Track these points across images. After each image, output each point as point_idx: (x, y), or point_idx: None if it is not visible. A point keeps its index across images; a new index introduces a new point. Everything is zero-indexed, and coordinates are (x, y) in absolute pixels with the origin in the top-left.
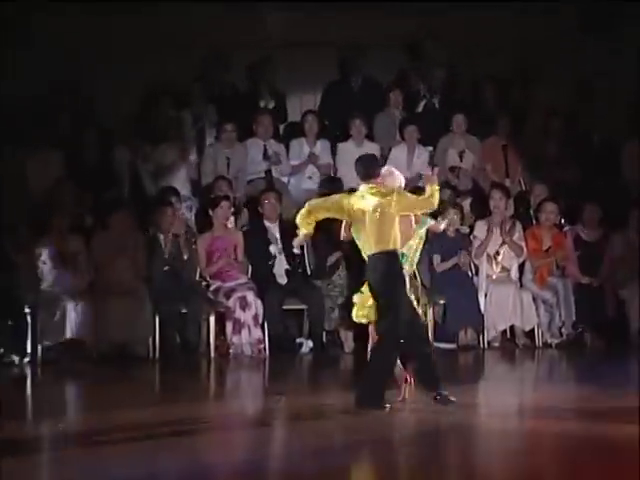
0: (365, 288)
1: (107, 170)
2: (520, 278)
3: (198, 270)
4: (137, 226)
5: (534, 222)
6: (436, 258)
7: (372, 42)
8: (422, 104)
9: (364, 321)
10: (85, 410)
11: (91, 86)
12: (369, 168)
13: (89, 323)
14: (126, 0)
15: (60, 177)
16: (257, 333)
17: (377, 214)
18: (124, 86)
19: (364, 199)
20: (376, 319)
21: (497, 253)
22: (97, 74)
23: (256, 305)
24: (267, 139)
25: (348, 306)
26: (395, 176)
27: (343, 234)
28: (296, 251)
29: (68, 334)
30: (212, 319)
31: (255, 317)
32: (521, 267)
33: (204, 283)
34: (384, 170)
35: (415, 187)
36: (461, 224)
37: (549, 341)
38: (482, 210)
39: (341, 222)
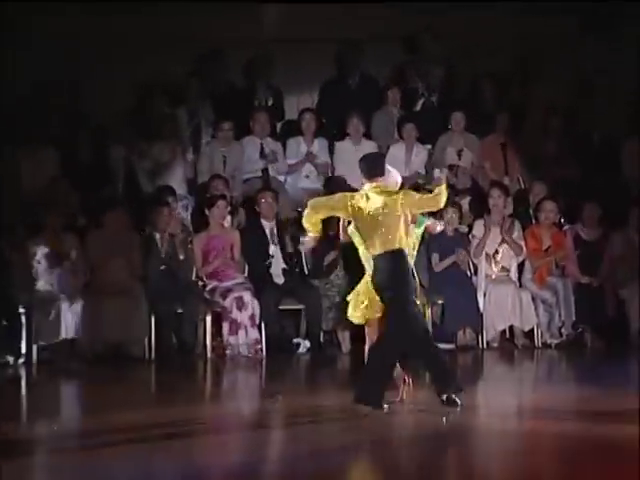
0: (360, 287)
1: (102, 168)
2: (519, 278)
3: (194, 270)
4: (132, 225)
5: (533, 221)
6: (435, 257)
7: (370, 39)
8: (420, 102)
9: (360, 321)
10: (80, 411)
11: (86, 84)
12: (374, 167)
13: (84, 323)
14: None
15: (55, 176)
16: (254, 333)
17: (383, 213)
18: (119, 84)
19: (369, 198)
20: (379, 318)
21: (496, 252)
22: (92, 72)
23: (253, 305)
24: (264, 137)
25: (346, 306)
26: (391, 175)
27: (342, 235)
28: (305, 250)
29: (63, 334)
30: (208, 319)
31: (252, 317)
32: (520, 267)
33: (200, 283)
34: None
35: (414, 186)
36: (460, 223)
37: (548, 341)
38: (481, 209)
39: (339, 222)
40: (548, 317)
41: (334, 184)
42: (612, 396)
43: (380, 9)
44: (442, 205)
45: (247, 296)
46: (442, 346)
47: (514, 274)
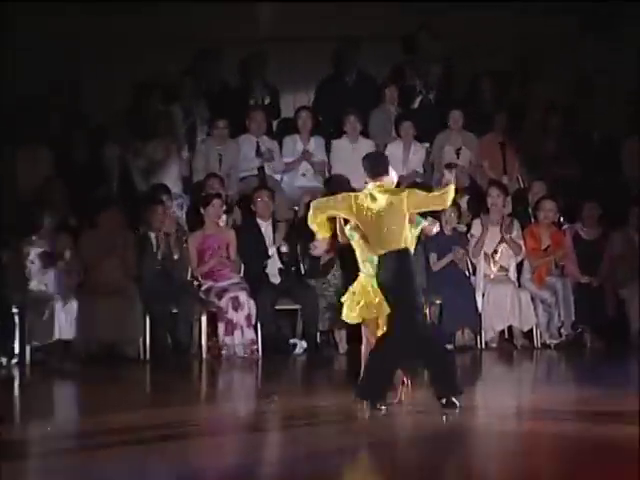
0: (356, 288)
1: (96, 167)
2: (518, 277)
3: (189, 269)
4: (127, 224)
5: (532, 220)
6: (432, 257)
7: (367, 36)
8: (418, 100)
9: (356, 322)
10: (74, 412)
11: (80, 83)
12: (377, 165)
13: (78, 323)
14: None
15: (49, 175)
16: (250, 334)
17: (388, 212)
18: (114, 82)
19: (373, 198)
20: (376, 318)
21: (495, 252)
22: (87, 71)
23: (249, 305)
24: (260, 135)
25: (342, 306)
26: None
27: (340, 236)
28: (317, 254)
29: (57, 334)
30: (204, 319)
31: (248, 317)
32: (519, 266)
33: (195, 283)
34: None
35: (411, 184)
36: (458, 222)
37: (548, 342)
38: (479, 208)
39: (336, 222)
40: (547, 317)
41: (335, 183)
42: (612, 397)
43: (377, 7)
44: (448, 205)
45: (243, 296)
46: None
47: (513, 274)
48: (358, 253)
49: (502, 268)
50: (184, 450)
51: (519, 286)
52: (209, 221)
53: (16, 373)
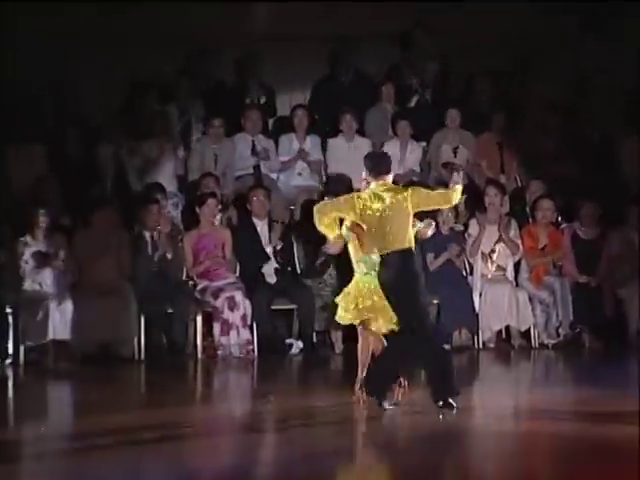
0: (351, 288)
1: (91, 166)
2: (516, 277)
3: (185, 269)
4: (121, 224)
5: (530, 220)
6: (429, 257)
7: (363, 34)
8: (415, 99)
9: (351, 322)
10: (68, 413)
11: (75, 82)
12: (381, 165)
13: (72, 323)
14: None
15: (43, 174)
16: (246, 334)
17: (392, 211)
18: (109, 80)
19: (377, 197)
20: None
21: (492, 251)
22: (81, 70)
23: (244, 305)
24: (255, 134)
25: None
26: None
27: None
28: (333, 252)
29: (51, 335)
30: (199, 319)
31: (243, 317)
32: (517, 266)
33: (191, 282)
34: None
35: (408, 183)
36: (455, 222)
37: (545, 342)
38: (477, 207)
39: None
40: (545, 317)
41: (336, 183)
42: (610, 397)
43: (374, 5)
44: (454, 203)
45: (239, 296)
46: None
47: (510, 273)
48: (352, 253)
49: (499, 268)
50: (179, 451)
51: (517, 286)
52: (204, 220)
53: (10, 373)
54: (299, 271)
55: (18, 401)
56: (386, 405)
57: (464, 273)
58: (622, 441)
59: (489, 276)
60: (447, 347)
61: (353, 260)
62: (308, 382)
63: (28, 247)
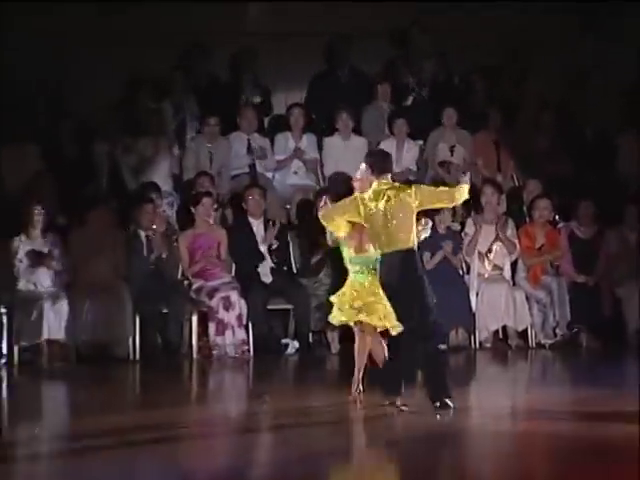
0: (345, 289)
1: (86, 165)
2: (513, 276)
3: (180, 268)
4: (116, 223)
5: (527, 219)
6: (426, 255)
7: (360, 32)
8: (411, 97)
9: (345, 322)
10: (63, 413)
11: (70, 79)
12: (384, 163)
13: (67, 323)
14: None
15: (37, 172)
16: (241, 334)
17: (395, 210)
18: (103, 77)
19: (381, 196)
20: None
21: (489, 251)
22: (76, 67)
23: (240, 305)
24: (251, 133)
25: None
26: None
27: (329, 240)
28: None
29: (45, 334)
30: (194, 319)
31: (239, 317)
32: (514, 265)
33: (186, 282)
34: (362, 167)
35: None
36: (452, 221)
37: (543, 342)
38: (474, 206)
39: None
40: (542, 317)
41: (337, 182)
42: (608, 397)
43: (370, 3)
44: (459, 202)
45: (234, 296)
46: None
47: (507, 273)
48: (345, 253)
49: (496, 267)
50: (175, 452)
51: (514, 285)
52: (200, 220)
53: (4, 374)
54: (295, 271)
55: (12, 401)
56: (401, 406)
57: (461, 272)
58: (620, 441)
59: (486, 275)
60: (444, 347)
61: (346, 260)
62: (304, 382)
63: (22, 246)
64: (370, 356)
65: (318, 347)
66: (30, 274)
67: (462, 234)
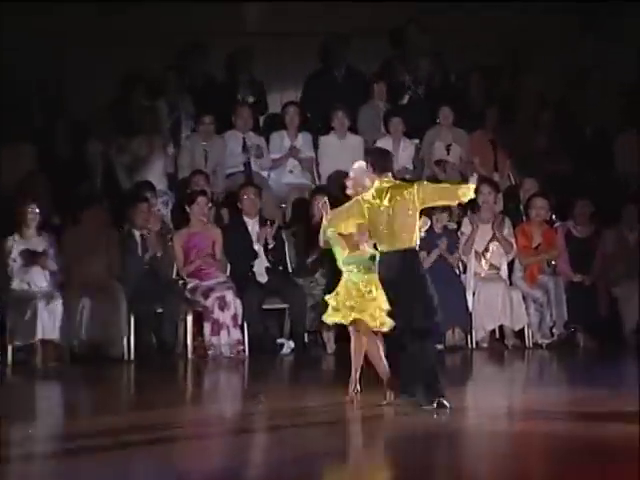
0: (340, 289)
1: (80, 164)
2: (509, 276)
3: (175, 268)
4: (111, 222)
5: (524, 218)
6: (422, 254)
7: (355, 32)
8: (407, 96)
9: (340, 322)
10: (57, 414)
11: (64, 78)
12: (385, 161)
13: (61, 323)
14: None
15: (31, 171)
16: (236, 334)
17: (399, 207)
18: (97, 76)
19: (384, 194)
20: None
21: (486, 250)
22: (71, 66)
23: (235, 305)
24: (246, 132)
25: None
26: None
27: (321, 241)
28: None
29: (39, 334)
30: (189, 319)
31: (234, 317)
32: (511, 265)
33: (181, 281)
34: (355, 166)
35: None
36: (449, 220)
37: (539, 341)
38: (470, 205)
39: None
40: (539, 316)
41: (336, 182)
42: (605, 397)
43: (367, 2)
44: (463, 200)
45: (229, 295)
46: None
47: (504, 272)
48: (337, 253)
49: (493, 266)
50: (169, 452)
51: (510, 285)
52: (194, 219)
53: None
54: (290, 270)
55: (6, 401)
56: (434, 404)
57: (457, 272)
58: (617, 441)
59: (482, 275)
60: (440, 347)
61: (339, 260)
62: (300, 382)
63: (16, 245)
64: (366, 357)
65: (314, 347)
66: (24, 273)
67: (458, 233)
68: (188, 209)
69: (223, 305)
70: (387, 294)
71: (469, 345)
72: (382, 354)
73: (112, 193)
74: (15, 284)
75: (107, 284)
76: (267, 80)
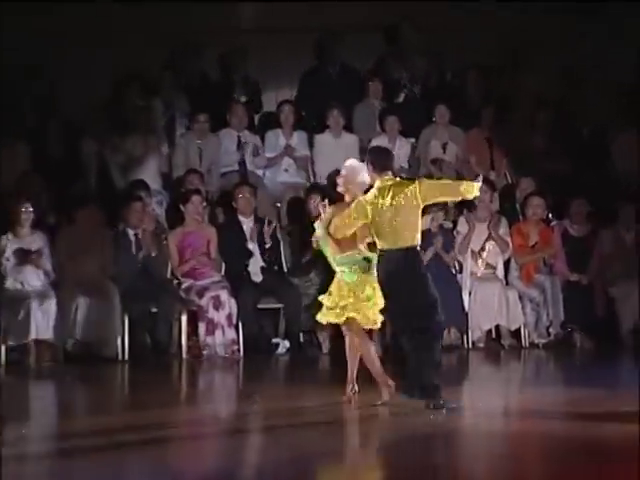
0: (333, 289)
1: (74, 163)
2: (506, 275)
3: (169, 267)
4: (105, 222)
5: (520, 217)
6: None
7: (350, 29)
8: (403, 94)
9: (334, 322)
10: (51, 414)
11: (57, 75)
12: (386, 159)
13: (55, 322)
14: None
15: (25, 171)
16: (231, 333)
17: (401, 205)
18: (92, 75)
19: (386, 192)
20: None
21: (482, 249)
22: (65, 64)
23: (230, 304)
24: (241, 130)
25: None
26: (357, 170)
27: (314, 242)
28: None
29: (33, 334)
30: (184, 319)
31: (229, 317)
32: (507, 264)
33: (175, 281)
34: (347, 164)
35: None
36: (444, 219)
37: (536, 341)
38: (466, 204)
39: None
40: (535, 316)
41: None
42: (601, 397)
43: (365, 3)
44: (467, 196)
45: (224, 295)
46: None
47: (500, 272)
48: (328, 253)
49: (489, 266)
50: (164, 453)
51: (507, 284)
52: (189, 218)
53: None
54: (285, 270)
55: None
56: (446, 404)
57: (453, 271)
58: (613, 441)
59: (479, 274)
60: None
61: (330, 260)
62: (295, 382)
63: (10, 244)
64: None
65: (309, 347)
66: (17, 273)
67: (454, 232)
68: (183, 208)
69: (218, 305)
70: (388, 292)
71: (465, 345)
72: (375, 355)
73: (106, 192)
74: (9, 283)
75: (101, 284)
76: (262, 78)
